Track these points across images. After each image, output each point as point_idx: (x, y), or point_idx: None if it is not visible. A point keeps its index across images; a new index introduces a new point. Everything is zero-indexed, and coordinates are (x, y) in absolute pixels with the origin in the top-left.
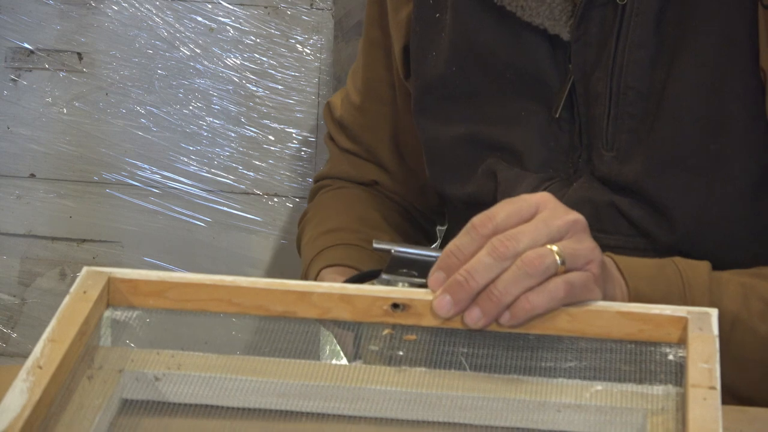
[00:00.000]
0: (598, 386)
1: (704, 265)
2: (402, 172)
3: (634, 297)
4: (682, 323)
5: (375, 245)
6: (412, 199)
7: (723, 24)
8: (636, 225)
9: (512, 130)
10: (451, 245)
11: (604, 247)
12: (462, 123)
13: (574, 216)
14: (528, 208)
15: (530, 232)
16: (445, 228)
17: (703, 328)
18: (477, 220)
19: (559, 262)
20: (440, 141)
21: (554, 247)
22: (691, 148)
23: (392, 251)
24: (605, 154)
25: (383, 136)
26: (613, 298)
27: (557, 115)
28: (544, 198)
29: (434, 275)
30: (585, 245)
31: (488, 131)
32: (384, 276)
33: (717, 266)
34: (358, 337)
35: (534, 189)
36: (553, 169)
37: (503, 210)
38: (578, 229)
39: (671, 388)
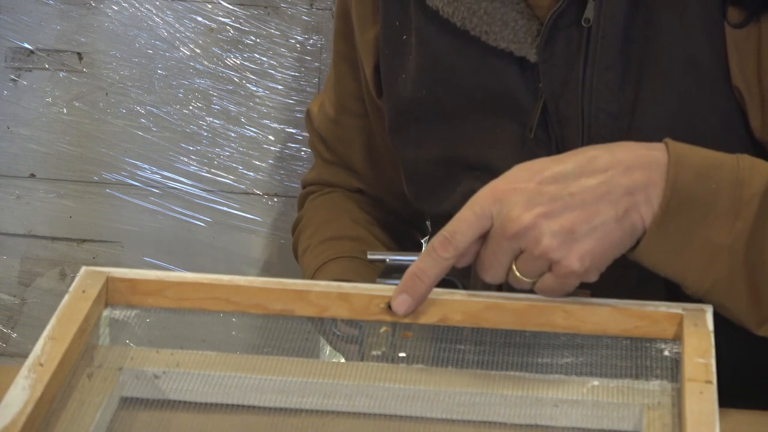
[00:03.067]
0: (595, 382)
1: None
2: (380, 182)
3: (673, 197)
4: (678, 319)
5: (369, 257)
6: (396, 206)
7: (687, 44)
8: None
9: (488, 150)
10: (414, 267)
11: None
12: (436, 145)
13: (527, 220)
14: (484, 220)
15: (488, 257)
16: (425, 239)
17: (698, 324)
18: (437, 242)
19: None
20: (415, 162)
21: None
22: None
23: (387, 260)
24: None
25: (358, 148)
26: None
27: (532, 136)
28: (497, 198)
29: (399, 298)
30: (539, 248)
31: (463, 152)
32: (379, 281)
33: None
34: (361, 346)
35: None
36: None
37: (461, 226)
38: (534, 235)
39: (667, 384)
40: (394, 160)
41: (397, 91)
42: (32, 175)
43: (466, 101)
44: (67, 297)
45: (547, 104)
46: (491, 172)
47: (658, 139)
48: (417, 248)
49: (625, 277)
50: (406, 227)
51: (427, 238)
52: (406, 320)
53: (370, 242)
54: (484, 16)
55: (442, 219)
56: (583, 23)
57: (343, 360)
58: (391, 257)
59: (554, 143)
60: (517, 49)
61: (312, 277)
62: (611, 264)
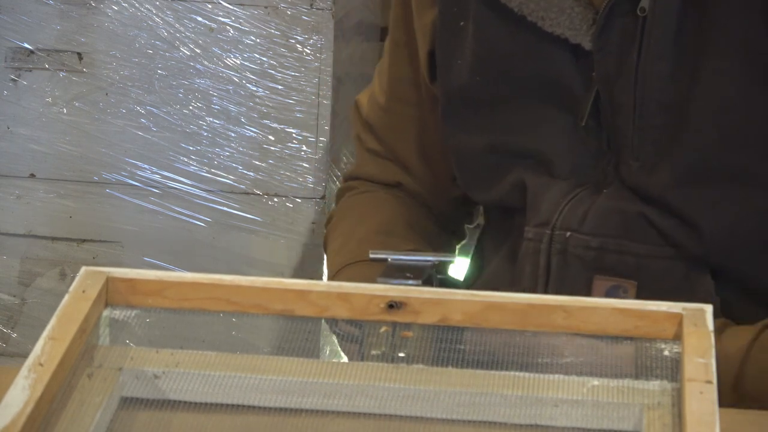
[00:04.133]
0: (595, 381)
1: None
2: (425, 175)
3: None
4: (678, 319)
5: (371, 255)
6: (436, 201)
7: (743, 37)
8: (665, 235)
9: (539, 138)
10: None
11: (634, 255)
12: (487, 132)
13: None
14: None
15: None
16: (474, 225)
17: (698, 324)
18: None
19: None
20: (467, 149)
21: None
22: (717, 161)
23: (389, 260)
24: (632, 163)
25: (408, 137)
26: None
27: (584, 124)
28: None
29: None
30: None
31: (514, 140)
32: (379, 280)
33: (749, 282)
34: (361, 346)
35: (564, 195)
36: (582, 176)
37: None
38: None
39: (667, 384)
40: (444, 154)
41: (451, 77)
42: (32, 175)
43: (519, 88)
44: (67, 297)
45: (600, 93)
46: (542, 160)
47: (709, 132)
48: (451, 251)
49: (674, 269)
50: (440, 229)
51: (464, 242)
52: (406, 320)
53: (397, 245)
54: (541, 2)
55: (492, 208)
56: (638, 12)
57: (344, 359)
58: (392, 257)
59: (605, 132)
60: (572, 36)
61: (333, 278)
62: (659, 255)
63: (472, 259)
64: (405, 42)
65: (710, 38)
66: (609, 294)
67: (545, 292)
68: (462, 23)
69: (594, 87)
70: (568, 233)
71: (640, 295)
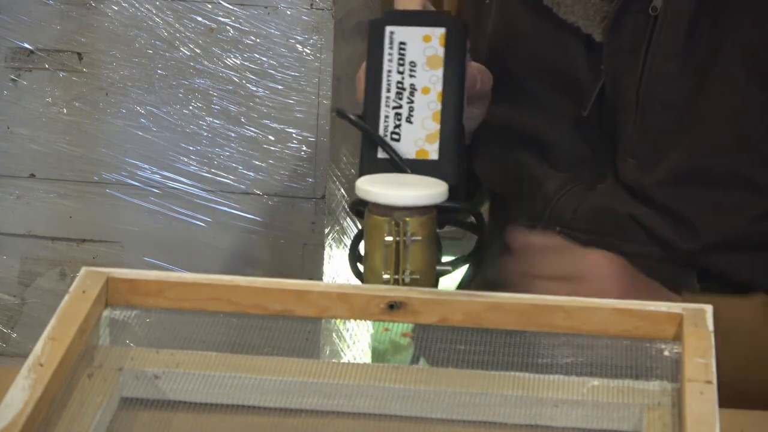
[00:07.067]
0: (595, 382)
1: None
2: None
3: None
4: (678, 319)
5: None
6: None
7: (754, 46)
8: (654, 236)
9: (543, 122)
10: None
11: (621, 253)
12: (498, 113)
13: None
14: None
15: None
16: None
17: (698, 324)
18: None
19: None
20: (480, 128)
21: None
22: (715, 165)
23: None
24: (629, 160)
25: None
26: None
27: (586, 114)
28: None
29: None
30: None
31: (521, 123)
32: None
33: (735, 285)
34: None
35: (558, 189)
36: (578, 168)
37: None
38: None
39: (667, 384)
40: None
41: (472, 54)
42: (32, 175)
43: (529, 71)
44: (67, 297)
45: (606, 86)
46: (544, 145)
47: (710, 136)
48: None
49: (661, 269)
50: None
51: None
52: (406, 320)
53: None
54: None
55: (494, 196)
56: (650, 11)
57: (343, 360)
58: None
59: (606, 126)
60: (584, 25)
61: None
62: (646, 255)
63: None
64: None
65: (721, 45)
66: None
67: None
68: (487, 1)
69: (600, 80)
70: (558, 228)
71: None
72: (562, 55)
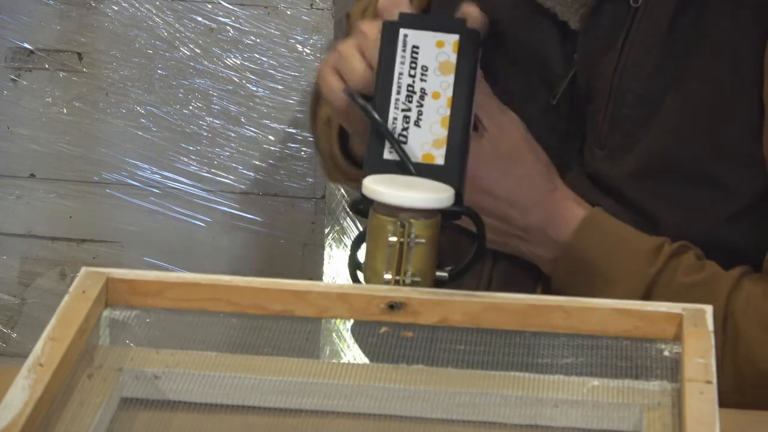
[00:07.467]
0: (595, 382)
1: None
2: None
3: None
4: (677, 320)
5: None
6: None
7: (733, 47)
8: None
9: (511, 108)
10: None
11: None
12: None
13: None
14: None
15: None
16: None
17: (698, 325)
18: None
19: None
20: None
21: None
22: (683, 161)
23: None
24: (597, 151)
25: None
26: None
27: (554, 102)
28: None
29: None
30: None
31: None
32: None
33: None
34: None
35: None
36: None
37: None
38: None
39: (667, 384)
40: None
41: None
42: (32, 175)
43: (504, 54)
44: (67, 297)
45: (578, 75)
46: None
47: (681, 131)
48: None
49: None
50: None
51: None
52: (406, 321)
53: None
54: None
55: None
56: (631, 2)
57: (343, 360)
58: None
59: (575, 116)
60: (561, 12)
61: None
62: None
63: None
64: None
65: (701, 41)
66: None
67: (492, 272)
68: None
69: (573, 68)
70: None
71: None
72: (538, 41)
